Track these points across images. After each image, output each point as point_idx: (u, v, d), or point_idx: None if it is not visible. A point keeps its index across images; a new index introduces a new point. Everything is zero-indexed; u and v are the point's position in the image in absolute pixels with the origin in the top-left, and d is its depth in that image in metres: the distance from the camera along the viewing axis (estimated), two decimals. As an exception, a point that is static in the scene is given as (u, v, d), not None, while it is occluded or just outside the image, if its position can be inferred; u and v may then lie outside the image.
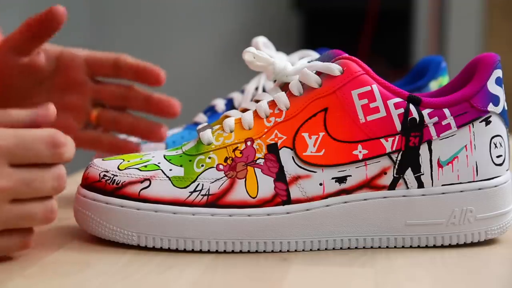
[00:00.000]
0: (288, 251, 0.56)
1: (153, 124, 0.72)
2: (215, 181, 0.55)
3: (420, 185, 0.57)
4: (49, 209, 0.51)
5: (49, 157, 0.50)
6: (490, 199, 0.58)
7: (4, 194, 0.49)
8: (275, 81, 0.67)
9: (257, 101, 0.60)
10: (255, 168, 0.56)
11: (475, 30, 2.42)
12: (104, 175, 0.56)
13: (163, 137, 0.72)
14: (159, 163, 0.57)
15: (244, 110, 0.60)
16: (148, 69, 0.72)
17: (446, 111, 0.57)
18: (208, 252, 0.55)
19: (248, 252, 0.56)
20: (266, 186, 0.56)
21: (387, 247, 0.58)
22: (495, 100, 0.58)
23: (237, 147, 0.56)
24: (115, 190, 0.55)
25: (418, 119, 0.56)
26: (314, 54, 0.72)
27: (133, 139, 0.75)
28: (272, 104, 0.58)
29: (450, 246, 0.58)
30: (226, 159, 0.56)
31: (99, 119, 0.74)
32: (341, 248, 0.57)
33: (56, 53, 0.73)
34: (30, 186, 0.49)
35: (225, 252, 0.56)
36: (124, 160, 0.57)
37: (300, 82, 0.58)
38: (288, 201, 0.56)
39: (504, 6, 2.42)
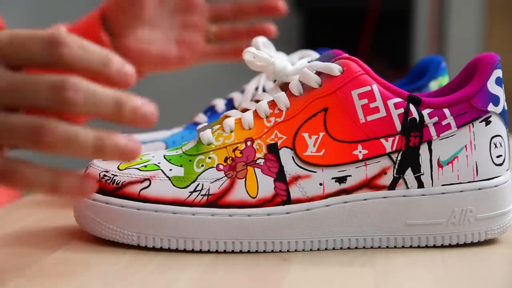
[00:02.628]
0: (288, 251, 0.56)
1: (263, 23, 0.86)
2: (215, 181, 0.55)
3: (420, 185, 0.57)
4: (36, 126, 0.43)
5: (45, 57, 0.43)
6: (490, 199, 0.58)
7: None
8: (275, 81, 0.67)
9: (257, 101, 0.60)
10: (255, 168, 0.56)
11: (475, 30, 2.42)
12: (104, 175, 0.56)
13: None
14: (159, 163, 0.57)
15: (244, 110, 0.60)
16: (269, 4, 0.86)
17: (446, 111, 0.57)
18: (208, 252, 0.55)
19: (248, 252, 0.56)
20: (266, 186, 0.56)
21: (387, 247, 0.58)
22: (495, 100, 0.58)
23: (237, 147, 0.56)
24: (115, 190, 0.55)
25: (418, 119, 0.56)
26: (314, 54, 0.72)
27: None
28: (272, 104, 0.58)
29: (450, 246, 0.58)
30: (226, 159, 0.56)
31: (218, 34, 0.88)
32: (341, 248, 0.57)
33: None
34: (21, 91, 0.43)
35: (225, 252, 0.56)
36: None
37: (300, 82, 0.58)
38: (288, 201, 0.56)
39: (504, 6, 2.42)
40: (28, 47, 0.43)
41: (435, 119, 0.57)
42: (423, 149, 0.57)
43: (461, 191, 0.57)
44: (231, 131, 0.57)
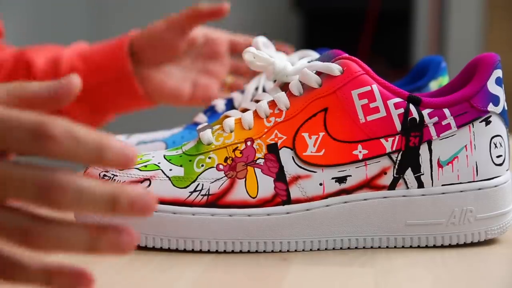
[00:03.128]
0: (288, 251, 0.56)
1: None
2: (215, 181, 0.55)
3: (420, 185, 0.57)
4: (23, 228, 0.40)
5: (32, 150, 0.39)
6: (490, 199, 0.58)
7: None
8: (275, 81, 0.67)
9: (257, 101, 0.60)
10: (255, 168, 0.56)
11: (475, 30, 2.42)
12: (104, 175, 0.56)
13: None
14: (159, 163, 0.57)
15: (244, 110, 0.60)
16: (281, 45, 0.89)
17: (446, 111, 0.57)
18: (208, 252, 0.55)
19: (248, 252, 0.56)
20: (266, 186, 0.56)
21: (387, 247, 0.58)
22: (495, 100, 0.58)
23: (237, 147, 0.56)
24: (115, 190, 0.55)
25: (418, 119, 0.56)
26: (314, 54, 0.72)
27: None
28: (272, 104, 0.58)
29: (450, 246, 0.58)
30: (226, 159, 0.56)
31: (231, 85, 0.93)
32: (341, 248, 0.57)
33: (203, 30, 0.92)
34: (5, 185, 0.40)
35: (225, 252, 0.56)
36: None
37: (300, 82, 0.58)
38: (288, 201, 0.56)
39: (504, 6, 2.42)
40: (14, 136, 0.39)
41: (435, 119, 0.57)
42: (423, 149, 0.57)
43: (461, 191, 0.57)
44: (231, 131, 0.57)
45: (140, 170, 0.56)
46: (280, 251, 0.56)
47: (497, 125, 0.58)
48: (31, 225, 0.40)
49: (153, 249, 0.55)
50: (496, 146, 0.58)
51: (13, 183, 0.39)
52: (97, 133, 0.40)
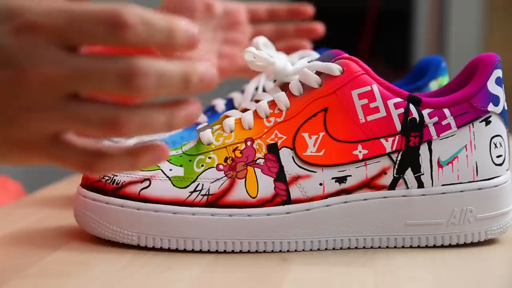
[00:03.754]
0: (288, 251, 0.56)
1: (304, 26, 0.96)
2: (215, 181, 0.55)
3: (420, 185, 0.57)
4: (110, 116, 0.41)
5: (108, 40, 0.40)
6: (490, 199, 0.58)
7: (56, 85, 0.39)
8: (275, 81, 0.67)
9: (257, 101, 0.60)
10: (255, 168, 0.56)
11: (475, 30, 2.42)
12: (104, 175, 0.56)
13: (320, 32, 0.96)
14: (159, 163, 0.57)
15: (244, 110, 0.60)
16: (298, 9, 0.94)
17: (446, 111, 0.57)
18: (208, 252, 0.55)
19: (248, 252, 0.56)
20: (266, 186, 0.56)
21: (387, 247, 0.58)
22: (495, 100, 0.58)
23: (237, 147, 0.56)
24: (115, 190, 0.55)
25: (418, 119, 0.56)
26: (314, 54, 0.72)
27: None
28: (272, 104, 0.58)
29: (450, 246, 0.58)
30: (226, 159, 0.56)
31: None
32: (341, 248, 0.57)
33: (221, 3, 0.93)
34: (88, 80, 0.40)
35: (225, 252, 0.56)
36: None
37: (300, 82, 0.58)
38: (288, 201, 0.56)
39: (504, 6, 2.42)
40: (89, 29, 0.39)
41: (435, 119, 0.57)
42: (423, 149, 0.57)
43: (461, 191, 0.57)
44: (231, 131, 0.57)
45: (140, 170, 0.56)
46: (280, 251, 0.56)
47: (497, 125, 0.58)
48: (116, 113, 0.41)
49: (153, 249, 0.55)
50: (496, 146, 0.58)
51: (95, 76, 0.40)
52: (165, 16, 0.41)
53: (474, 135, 0.57)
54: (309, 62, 0.60)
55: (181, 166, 0.56)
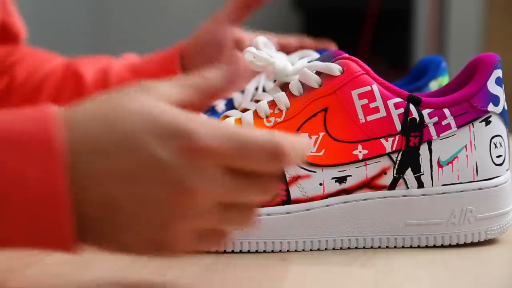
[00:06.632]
0: (288, 251, 0.56)
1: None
2: (215, 181, 0.55)
3: (420, 185, 0.57)
4: (251, 217, 0.46)
5: (267, 169, 0.44)
6: (490, 199, 0.58)
7: (213, 198, 0.43)
8: (275, 81, 0.67)
9: (257, 101, 0.60)
10: (255, 168, 0.56)
11: (475, 30, 2.42)
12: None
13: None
14: (159, 163, 0.57)
15: (244, 110, 0.60)
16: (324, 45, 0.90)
17: (446, 111, 0.57)
18: (208, 252, 0.55)
19: (248, 252, 0.56)
20: (266, 186, 0.55)
21: (387, 247, 0.58)
22: (495, 100, 0.58)
23: (237, 147, 0.56)
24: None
25: (418, 119, 0.56)
26: (314, 54, 0.72)
27: None
28: (272, 104, 0.58)
29: (450, 246, 0.58)
30: (226, 159, 0.56)
31: None
32: (341, 248, 0.57)
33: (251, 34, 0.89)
34: (240, 195, 0.44)
35: (225, 252, 0.56)
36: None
37: (300, 82, 0.58)
38: (288, 201, 0.56)
39: (504, 6, 2.42)
40: (255, 157, 0.43)
41: (435, 119, 0.57)
42: (423, 149, 0.57)
43: (461, 191, 0.57)
44: (231, 131, 0.57)
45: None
46: (280, 251, 0.56)
47: (497, 125, 0.58)
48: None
49: (153, 249, 0.55)
50: (496, 146, 0.58)
51: (248, 193, 0.44)
52: (301, 139, 0.45)
53: (474, 135, 0.57)
54: (309, 62, 0.60)
55: (181, 166, 0.56)
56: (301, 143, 0.44)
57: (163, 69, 0.87)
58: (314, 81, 0.57)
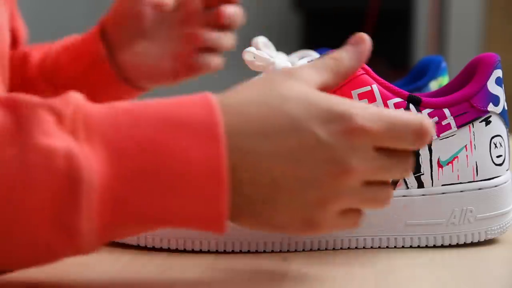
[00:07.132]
0: (288, 251, 0.56)
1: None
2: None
3: (420, 185, 0.57)
4: (389, 196, 0.49)
5: (412, 146, 0.48)
6: (490, 199, 0.58)
7: (361, 176, 0.46)
8: (275, 81, 0.67)
9: (257, 101, 0.60)
10: (255, 168, 0.56)
11: (475, 30, 2.42)
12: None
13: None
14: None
15: (244, 110, 0.60)
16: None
17: (446, 111, 0.57)
18: (208, 252, 0.55)
19: (248, 252, 0.56)
20: (266, 186, 0.55)
21: (387, 247, 0.58)
22: (495, 100, 0.58)
23: (237, 147, 0.56)
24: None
25: (418, 119, 0.56)
26: (314, 54, 0.72)
27: None
28: (272, 104, 0.58)
29: (450, 246, 0.58)
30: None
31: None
32: (341, 248, 0.57)
33: None
34: (385, 173, 0.47)
35: (225, 252, 0.56)
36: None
37: (300, 82, 0.58)
38: (288, 201, 0.56)
39: (504, 6, 2.42)
40: (403, 136, 0.47)
41: (435, 119, 0.57)
42: (423, 149, 0.57)
43: (461, 191, 0.57)
44: (231, 131, 0.57)
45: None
46: (280, 251, 0.56)
47: (497, 125, 0.58)
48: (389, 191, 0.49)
49: (153, 249, 0.55)
50: (496, 146, 0.58)
51: (391, 170, 0.48)
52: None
53: (474, 135, 0.57)
54: (309, 62, 0.60)
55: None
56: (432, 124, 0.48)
57: (85, 43, 0.85)
58: (314, 81, 0.57)
